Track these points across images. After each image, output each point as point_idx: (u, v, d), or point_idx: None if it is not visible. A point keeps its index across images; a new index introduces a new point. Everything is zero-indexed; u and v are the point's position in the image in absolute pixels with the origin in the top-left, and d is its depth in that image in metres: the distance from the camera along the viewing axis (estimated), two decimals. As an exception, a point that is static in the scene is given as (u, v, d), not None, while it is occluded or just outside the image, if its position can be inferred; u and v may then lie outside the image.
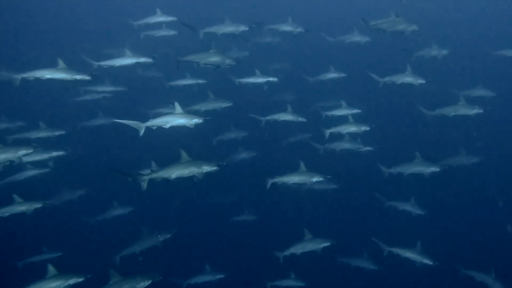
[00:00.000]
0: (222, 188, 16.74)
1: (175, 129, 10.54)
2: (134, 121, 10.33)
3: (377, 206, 14.44)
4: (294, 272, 12.34)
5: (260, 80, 15.25)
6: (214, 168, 10.00)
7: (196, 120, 10.66)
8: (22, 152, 9.75)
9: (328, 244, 12.09)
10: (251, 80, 15.29)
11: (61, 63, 10.98)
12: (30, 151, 9.88)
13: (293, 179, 12.50)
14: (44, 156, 12.30)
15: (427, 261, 11.60)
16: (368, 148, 14.99)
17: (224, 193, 16.90)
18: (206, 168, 9.94)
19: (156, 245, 12.03)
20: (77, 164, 15.73)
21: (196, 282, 12.69)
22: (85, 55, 12.79)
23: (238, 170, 16.20)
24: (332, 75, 18.10)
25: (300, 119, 14.95)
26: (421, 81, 14.25)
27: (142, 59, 13.25)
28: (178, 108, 10.66)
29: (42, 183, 13.29)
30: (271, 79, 15.20)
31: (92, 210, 14.57)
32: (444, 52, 15.96)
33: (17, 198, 10.94)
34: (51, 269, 9.02)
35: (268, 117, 14.81)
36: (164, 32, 17.49)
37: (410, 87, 14.39)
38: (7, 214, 10.80)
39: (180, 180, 9.98)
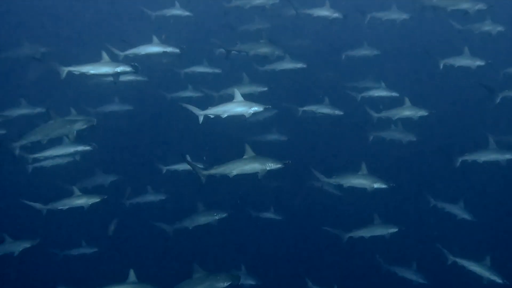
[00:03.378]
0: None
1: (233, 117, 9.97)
2: (195, 108, 9.92)
3: (430, 209, 13.27)
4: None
5: (289, 66, 14.37)
6: (279, 165, 9.37)
7: (256, 108, 9.98)
8: (77, 126, 9.59)
9: (396, 230, 11.44)
10: (279, 66, 14.36)
11: (105, 56, 10.59)
12: (85, 126, 9.68)
13: (351, 181, 11.39)
14: (70, 150, 11.72)
15: (495, 278, 10.19)
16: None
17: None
18: (270, 165, 9.33)
19: (211, 222, 11.84)
20: (108, 151, 15.07)
21: None
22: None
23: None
24: (365, 51, 17.08)
25: (337, 112, 14.16)
26: (479, 62, 13.23)
27: (169, 49, 12.80)
28: (238, 95, 9.99)
29: (75, 168, 12.82)
30: (299, 65, 14.39)
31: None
32: (500, 28, 14.46)
33: (76, 191, 10.68)
34: (131, 274, 8.96)
35: (305, 108, 14.14)
36: (177, 11, 16.31)
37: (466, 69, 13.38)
38: (66, 207, 10.66)
39: (241, 176, 9.42)
